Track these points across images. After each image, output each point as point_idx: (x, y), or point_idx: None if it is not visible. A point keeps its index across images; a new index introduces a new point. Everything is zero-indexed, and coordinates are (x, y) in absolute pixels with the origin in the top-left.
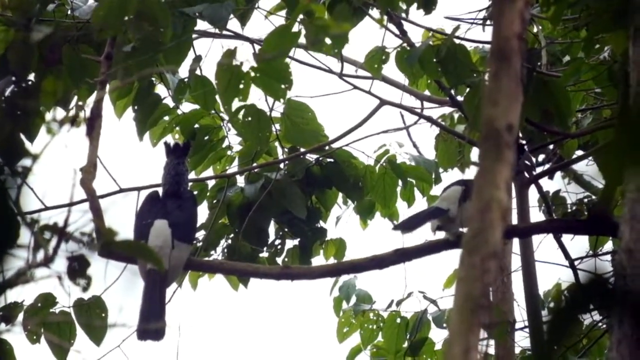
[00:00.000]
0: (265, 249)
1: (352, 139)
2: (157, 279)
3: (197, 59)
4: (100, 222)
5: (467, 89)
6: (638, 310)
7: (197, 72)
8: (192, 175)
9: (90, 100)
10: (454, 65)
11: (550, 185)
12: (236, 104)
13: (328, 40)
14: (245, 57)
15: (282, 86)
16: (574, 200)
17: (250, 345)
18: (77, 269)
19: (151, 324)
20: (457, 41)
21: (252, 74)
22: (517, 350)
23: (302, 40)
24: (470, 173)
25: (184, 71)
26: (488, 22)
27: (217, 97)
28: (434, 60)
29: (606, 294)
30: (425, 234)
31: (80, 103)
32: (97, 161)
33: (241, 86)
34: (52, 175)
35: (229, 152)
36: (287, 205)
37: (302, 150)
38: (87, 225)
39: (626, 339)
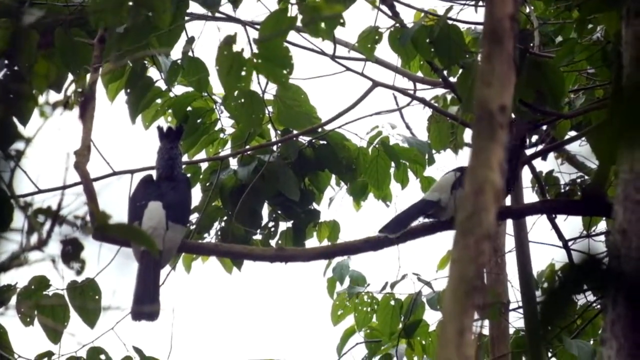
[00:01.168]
0: (258, 231)
1: (344, 121)
2: (151, 261)
3: (190, 40)
4: (94, 205)
5: (460, 70)
6: (632, 291)
7: (190, 54)
8: (185, 158)
9: (83, 84)
10: (447, 45)
11: (543, 165)
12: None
13: (322, 23)
14: (245, 43)
15: (284, 71)
16: (567, 181)
17: (244, 328)
18: (71, 252)
19: (145, 306)
20: (449, 22)
21: (254, 60)
22: (511, 330)
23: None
24: (463, 154)
25: (176, 53)
26: (480, 3)
27: (209, 79)
28: (427, 40)
29: (600, 274)
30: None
31: (77, 88)
32: (90, 144)
33: (243, 73)
34: (45, 158)
35: (221, 135)
36: (280, 187)
37: (294, 132)
38: (80, 209)
39: (620, 319)
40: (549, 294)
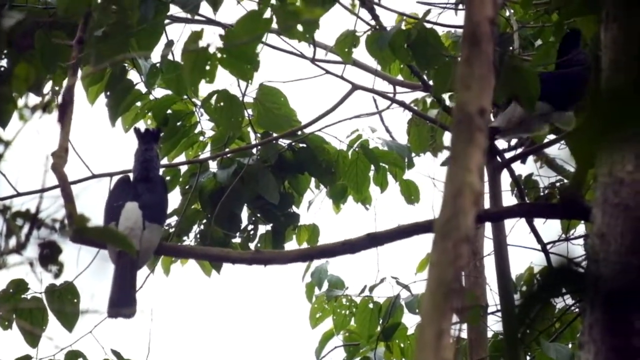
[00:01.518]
0: (237, 234)
1: (324, 124)
2: (128, 262)
3: (169, 44)
4: (71, 207)
5: (435, 71)
6: (610, 295)
7: (170, 57)
8: (164, 161)
9: (62, 86)
10: (424, 49)
11: (522, 169)
12: (208, 88)
13: (300, 26)
14: (213, 40)
15: (248, 67)
16: (546, 184)
17: (223, 331)
18: (49, 256)
19: (122, 306)
20: (428, 25)
21: (219, 55)
22: (490, 334)
23: (274, 25)
24: (443, 157)
25: (156, 56)
26: (460, 6)
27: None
28: (405, 44)
29: (578, 278)
30: (399, 218)
31: (55, 88)
32: (68, 146)
33: (207, 67)
34: (24, 161)
35: (201, 138)
36: (260, 190)
37: (274, 135)
38: (58, 212)
39: (598, 323)
40: (527, 297)
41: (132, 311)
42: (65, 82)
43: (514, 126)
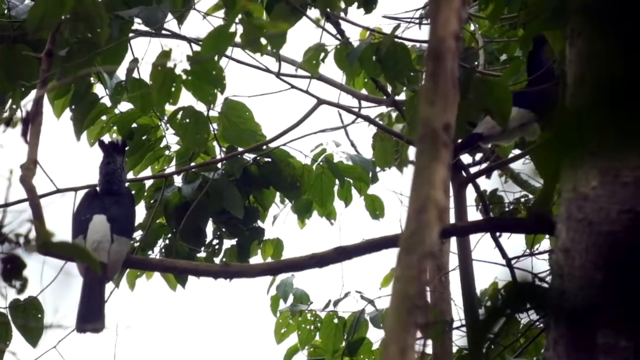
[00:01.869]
0: (202, 248)
1: (289, 139)
2: (96, 276)
3: (134, 61)
4: (39, 220)
5: (404, 88)
6: (574, 310)
7: (135, 73)
8: (130, 175)
9: (28, 100)
10: (393, 63)
11: (487, 184)
12: (169, 106)
13: (264, 41)
14: (180, 59)
15: (214, 90)
16: (511, 200)
17: (188, 346)
18: (13, 270)
19: (91, 321)
20: (396, 40)
21: (184, 76)
22: (454, 349)
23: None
24: (408, 172)
25: (122, 72)
26: (425, 21)
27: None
28: (374, 58)
29: (542, 293)
30: (364, 233)
31: (20, 103)
32: (37, 159)
33: (173, 89)
34: None
35: (166, 152)
36: (225, 204)
37: (239, 149)
38: (23, 226)
39: (562, 338)
40: (491, 312)
41: (101, 326)
42: (31, 96)
43: (496, 133)
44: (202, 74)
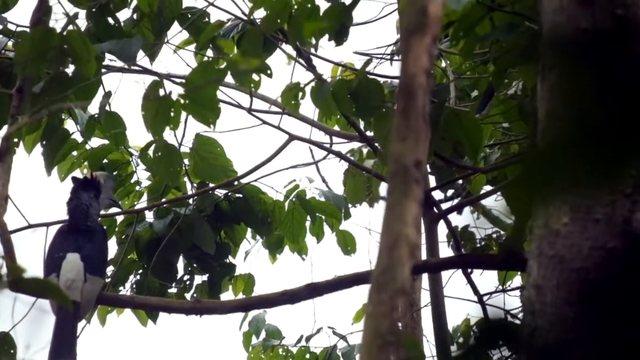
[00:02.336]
0: (174, 284)
1: (261, 174)
2: (69, 313)
3: (107, 95)
4: (10, 257)
5: (375, 120)
6: (546, 347)
7: (107, 108)
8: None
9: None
10: (366, 98)
11: (459, 220)
12: (144, 139)
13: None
14: (172, 88)
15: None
16: (483, 236)
17: None
18: None
19: (63, 357)
20: (368, 75)
21: (182, 101)
22: None
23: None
24: (379, 208)
25: (93, 107)
26: (396, 57)
27: (126, 133)
28: (347, 94)
29: (514, 329)
30: (335, 269)
31: None
32: (7, 195)
33: (172, 114)
34: None
35: (137, 188)
36: (196, 240)
37: (211, 185)
38: None
39: None
40: (464, 349)
41: None
42: (2, 131)
43: None
44: (197, 99)
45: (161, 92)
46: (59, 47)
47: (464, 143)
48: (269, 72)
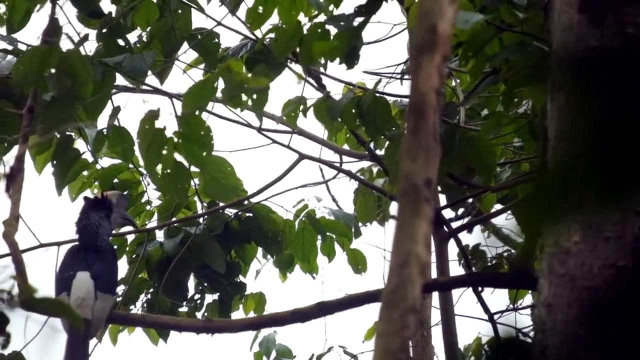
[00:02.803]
0: (184, 303)
1: (271, 194)
2: (80, 331)
3: (116, 110)
4: (21, 276)
5: (387, 143)
6: None
7: (116, 124)
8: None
9: (10, 156)
10: (374, 118)
11: (469, 239)
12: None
13: (245, 97)
14: (167, 118)
15: (204, 153)
16: (494, 255)
17: None
18: None
19: None
20: (377, 94)
21: (175, 139)
22: None
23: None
24: (390, 227)
25: (102, 123)
26: (406, 76)
27: (135, 149)
28: (354, 112)
29: (525, 348)
30: (346, 287)
31: (2, 158)
32: (19, 214)
33: (164, 152)
34: None
35: (148, 207)
36: (206, 259)
37: (221, 204)
38: (6, 281)
39: None
40: None
41: None
42: (14, 151)
43: None
44: (190, 135)
45: (157, 123)
46: (58, 66)
47: (475, 164)
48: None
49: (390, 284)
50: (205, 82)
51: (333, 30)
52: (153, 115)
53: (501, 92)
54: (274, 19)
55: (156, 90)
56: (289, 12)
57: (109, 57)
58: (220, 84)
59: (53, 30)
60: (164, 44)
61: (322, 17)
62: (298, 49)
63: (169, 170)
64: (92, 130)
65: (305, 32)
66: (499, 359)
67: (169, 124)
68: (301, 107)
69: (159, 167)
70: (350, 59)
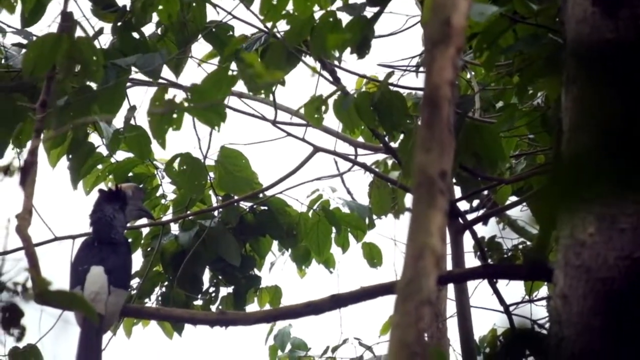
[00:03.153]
0: (199, 296)
1: (286, 186)
2: (93, 325)
3: (132, 108)
4: (35, 270)
5: (402, 135)
6: (572, 357)
7: (132, 121)
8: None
9: (25, 149)
10: (389, 111)
11: (484, 231)
12: (170, 152)
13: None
14: (177, 95)
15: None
16: (509, 246)
17: None
18: (11, 319)
19: None
20: (391, 88)
21: (186, 104)
22: None
23: (234, 87)
24: (404, 219)
25: (118, 121)
26: (420, 69)
27: (152, 145)
28: (370, 106)
29: (541, 339)
30: (362, 279)
31: (17, 152)
32: (32, 208)
33: (174, 115)
34: None
35: (163, 201)
36: (221, 253)
37: (235, 197)
38: (21, 274)
39: None
40: (491, 359)
41: None
42: (28, 145)
43: None
44: (202, 101)
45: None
46: (67, 54)
47: (481, 154)
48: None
49: (405, 276)
50: (220, 71)
51: (345, 19)
52: (162, 91)
53: (515, 84)
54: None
55: (171, 84)
56: (305, 3)
57: (124, 51)
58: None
59: (68, 23)
60: (178, 36)
61: (336, 6)
62: (309, 38)
63: (184, 167)
64: (108, 126)
65: (317, 21)
66: (515, 351)
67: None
68: (323, 108)
69: (175, 164)
70: (362, 50)
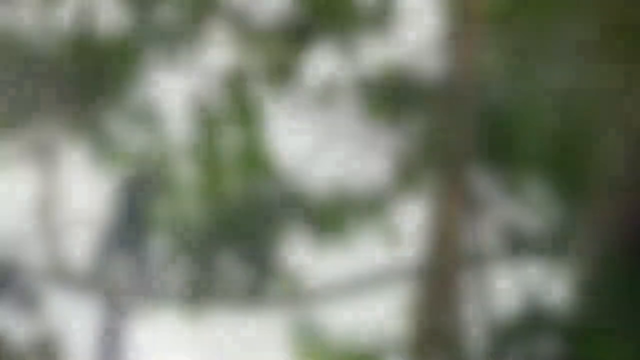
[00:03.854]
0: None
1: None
2: (117, 309)
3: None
4: (57, 253)
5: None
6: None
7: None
8: None
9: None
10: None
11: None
12: None
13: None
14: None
15: None
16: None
17: None
18: None
19: None
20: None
21: None
22: None
23: None
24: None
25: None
26: (441, 52)
27: None
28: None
29: (559, 320)
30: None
31: None
32: (56, 193)
33: None
34: None
35: None
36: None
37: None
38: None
39: None
40: (509, 340)
41: None
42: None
43: None
44: None
45: None
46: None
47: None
48: None
49: (427, 259)
50: None
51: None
52: None
53: None
54: None
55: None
56: None
57: (138, 32)
58: None
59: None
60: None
61: None
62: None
63: None
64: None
65: None
66: (533, 332)
67: None
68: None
69: None
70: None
